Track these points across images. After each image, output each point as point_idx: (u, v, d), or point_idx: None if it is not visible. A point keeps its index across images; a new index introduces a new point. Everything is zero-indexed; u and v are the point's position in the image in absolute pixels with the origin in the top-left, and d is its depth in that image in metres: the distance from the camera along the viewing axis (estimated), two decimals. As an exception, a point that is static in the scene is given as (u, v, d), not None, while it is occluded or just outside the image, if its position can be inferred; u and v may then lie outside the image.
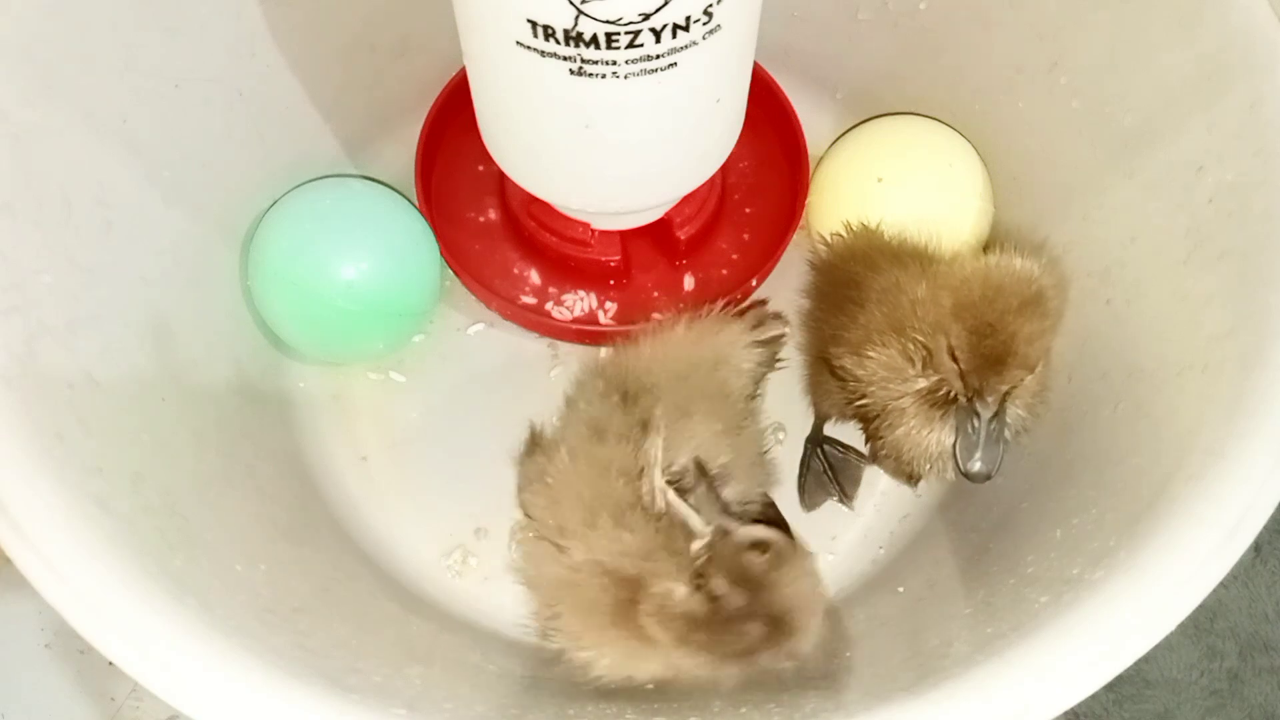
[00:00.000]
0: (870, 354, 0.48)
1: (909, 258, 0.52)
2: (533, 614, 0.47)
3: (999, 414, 0.46)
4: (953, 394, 0.47)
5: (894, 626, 0.49)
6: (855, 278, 0.52)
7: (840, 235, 0.57)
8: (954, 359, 0.45)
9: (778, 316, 0.58)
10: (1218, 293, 0.42)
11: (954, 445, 0.47)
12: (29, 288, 0.40)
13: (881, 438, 0.50)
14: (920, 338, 0.47)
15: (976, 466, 0.45)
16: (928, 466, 0.49)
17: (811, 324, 0.56)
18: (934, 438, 0.48)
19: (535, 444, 0.51)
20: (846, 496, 0.57)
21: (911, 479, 0.56)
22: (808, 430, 0.58)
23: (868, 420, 0.51)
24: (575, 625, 0.43)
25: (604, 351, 0.57)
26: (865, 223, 0.56)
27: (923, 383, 0.47)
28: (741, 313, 0.57)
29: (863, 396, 0.49)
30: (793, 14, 0.61)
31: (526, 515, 0.48)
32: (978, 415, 0.45)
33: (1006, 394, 0.45)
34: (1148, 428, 0.43)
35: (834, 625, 0.53)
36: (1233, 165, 0.43)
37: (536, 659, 0.52)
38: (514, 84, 0.42)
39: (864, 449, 0.57)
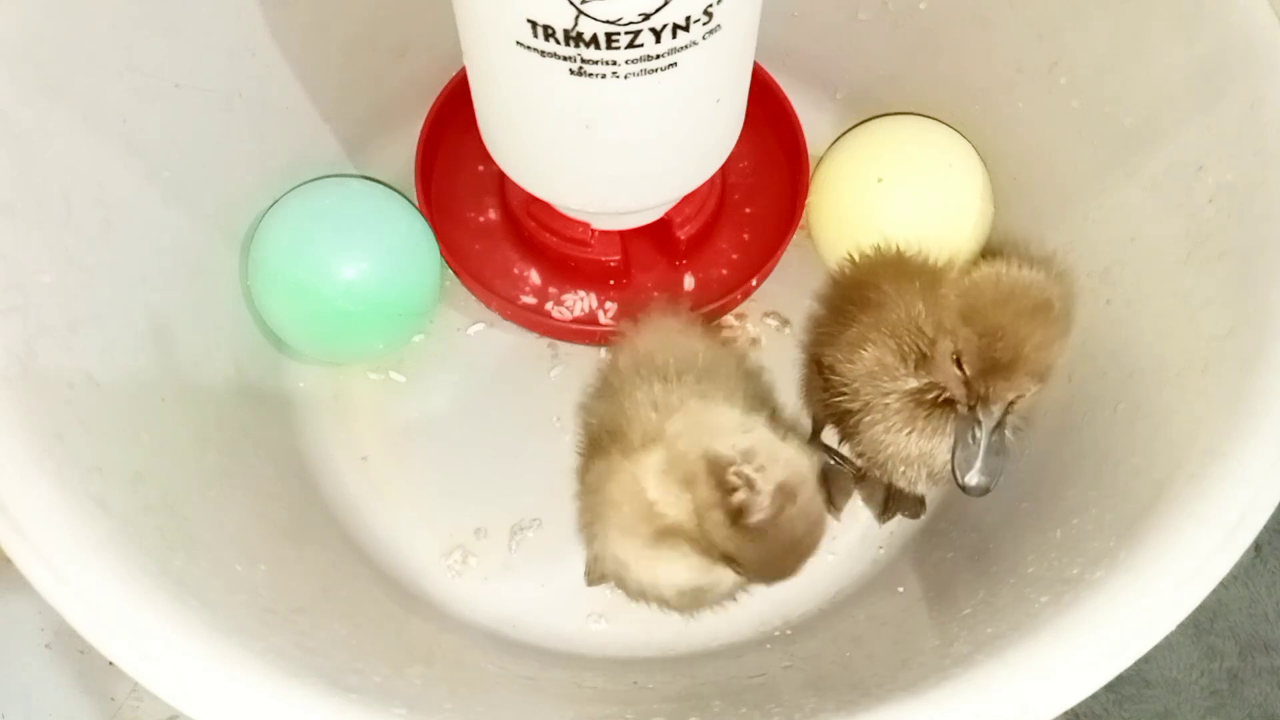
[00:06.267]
0: (862, 350, 0.48)
1: (916, 273, 0.52)
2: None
3: (1000, 424, 0.44)
4: (942, 398, 0.46)
5: (894, 626, 0.49)
6: (863, 286, 0.52)
7: (868, 254, 0.56)
8: (959, 365, 0.44)
9: None
10: (1218, 293, 0.42)
11: (952, 455, 0.45)
12: (29, 288, 0.40)
13: (858, 434, 0.49)
14: (917, 337, 0.46)
15: (975, 479, 0.44)
16: (901, 469, 0.49)
17: (815, 329, 0.56)
18: (913, 439, 0.47)
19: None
20: (834, 506, 0.56)
21: (885, 512, 0.56)
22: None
23: (844, 418, 0.50)
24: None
25: (604, 353, 0.57)
26: (898, 247, 0.55)
27: (913, 383, 0.47)
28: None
29: (843, 394, 0.49)
30: (793, 14, 0.61)
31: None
32: (979, 424, 0.44)
33: (1011, 404, 0.44)
34: (1148, 428, 0.43)
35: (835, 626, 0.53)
36: (1233, 165, 0.43)
37: (536, 659, 0.52)
38: (514, 84, 0.42)
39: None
